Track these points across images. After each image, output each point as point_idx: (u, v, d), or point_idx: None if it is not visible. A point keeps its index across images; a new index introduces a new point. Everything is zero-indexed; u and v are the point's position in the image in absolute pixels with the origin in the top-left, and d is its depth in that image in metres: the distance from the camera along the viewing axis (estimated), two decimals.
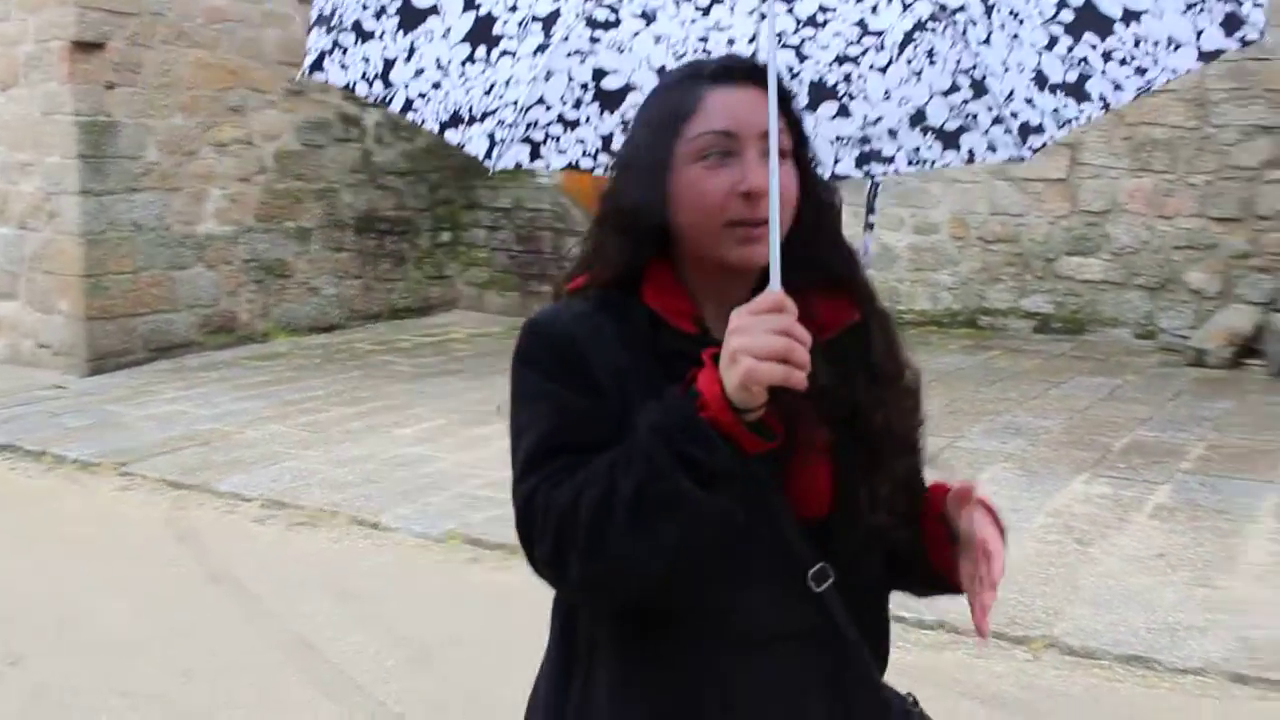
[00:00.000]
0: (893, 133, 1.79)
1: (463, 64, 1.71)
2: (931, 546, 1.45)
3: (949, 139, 1.77)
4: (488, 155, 1.79)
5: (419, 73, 1.71)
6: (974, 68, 1.71)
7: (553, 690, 1.43)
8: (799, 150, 1.37)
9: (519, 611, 4.65)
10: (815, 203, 1.38)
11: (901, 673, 1.55)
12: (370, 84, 1.70)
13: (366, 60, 1.68)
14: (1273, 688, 3.74)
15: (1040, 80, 1.66)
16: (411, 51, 1.68)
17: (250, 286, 11.03)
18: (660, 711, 1.33)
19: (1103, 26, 1.57)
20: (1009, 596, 4.01)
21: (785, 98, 1.37)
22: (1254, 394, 8.80)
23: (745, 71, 1.36)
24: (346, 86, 1.70)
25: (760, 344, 1.13)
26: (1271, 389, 9.09)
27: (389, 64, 1.69)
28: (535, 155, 1.80)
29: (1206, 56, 1.55)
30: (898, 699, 1.48)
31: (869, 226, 2.18)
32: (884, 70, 1.74)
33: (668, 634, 1.32)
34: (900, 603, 1.56)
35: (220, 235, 10.67)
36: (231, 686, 3.93)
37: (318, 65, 1.66)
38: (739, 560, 1.30)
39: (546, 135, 1.79)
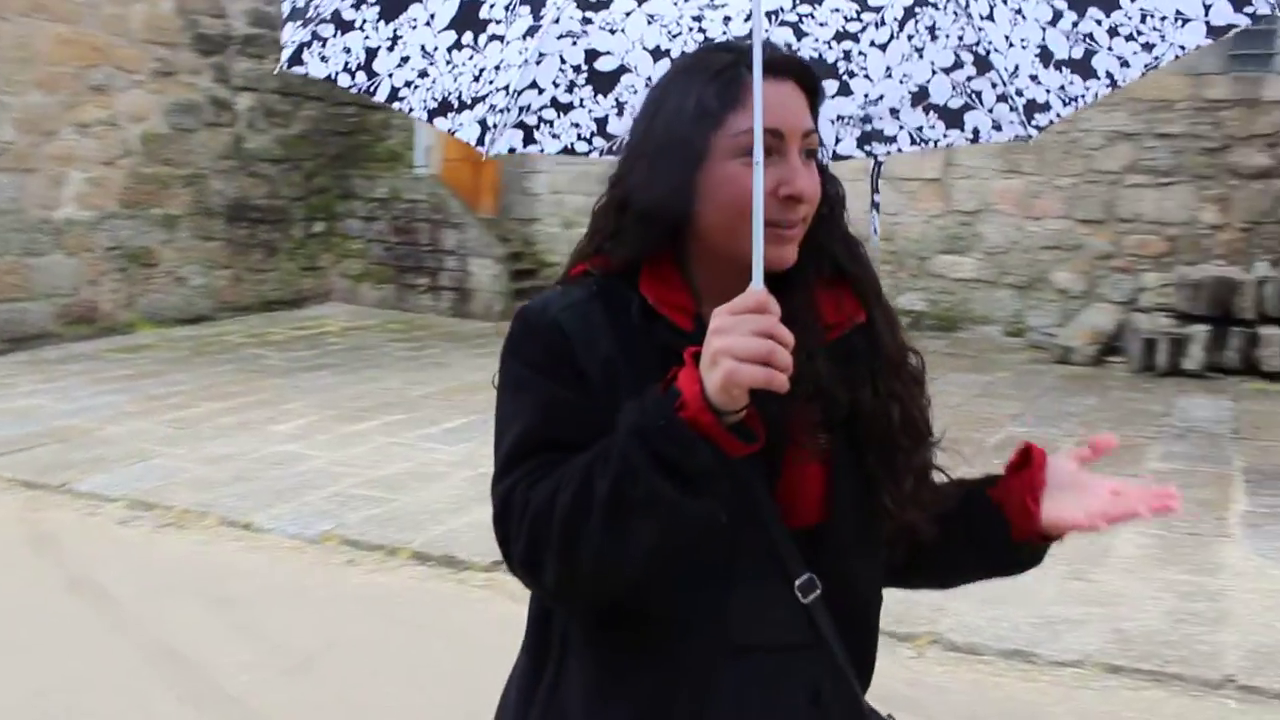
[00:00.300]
0: (895, 111, 1.74)
1: (450, 50, 1.66)
2: (1018, 506, 1.39)
3: (952, 117, 1.73)
4: (480, 141, 1.72)
5: (403, 61, 1.66)
6: (977, 43, 1.66)
7: (522, 691, 1.39)
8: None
9: (400, 615, 4.54)
10: (826, 196, 1.33)
11: None
12: (353, 75, 1.65)
13: (348, 51, 1.63)
14: (1145, 677, 3.84)
15: (1045, 56, 1.62)
16: (395, 40, 1.64)
17: (113, 275, 10.56)
18: (633, 715, 1.29)
19: (1108, 1, 1.54)
20: (893, 594, 4.02)
21: (815, 90, 1.32)
22: (1116, 390, 9.14)
23: (789, 65, 1.30)
24: (328, 78, 1.64)
25: (742, 346, 1.09)
26: (1132, 385, 9.45)
27: (371, 53, 1.64)
28: (529, 140, 1.74)
29: (1216, 32, 1.50)
30: (877, 718, 1.44)
31: (875, 206, 2.13)
32: (884, 47, 1.70)
33: (645, 637, 1.28)
34: None
35: (81, 221, 10.20)
36: (92, 704, 3.70)
37: (296, 59, 1.61)
38: (723, 566, 1.25)
39: (540, 120, 1.73)
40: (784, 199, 1.24)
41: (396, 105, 1.70)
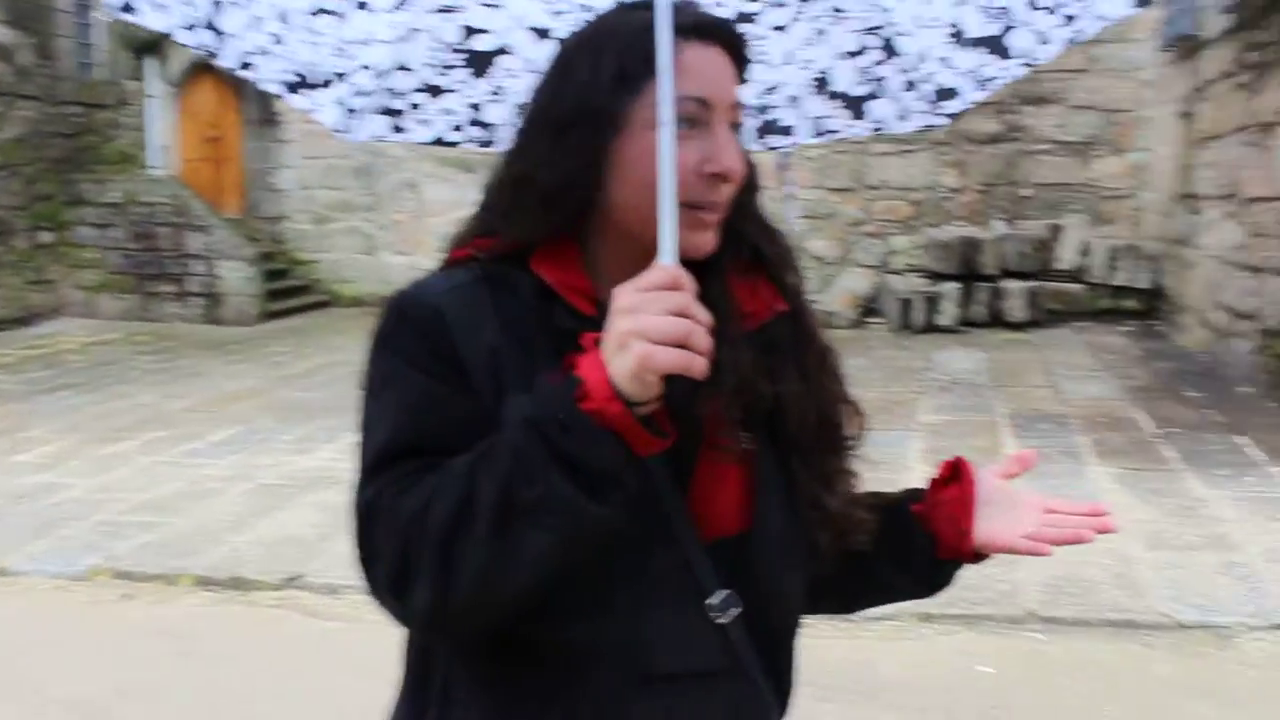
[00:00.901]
0: (794, 100, 1.59)
1: (310, 15, 1.44)
2: (948, 524, 1.28)
3: (855, 106, 1.57)
4: (341, 127, 1.52)
5: (255, 22, 1.43)
6: (883, 26, 1.52)
7: None
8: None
9: (191, 648, 4.19)
10: (746, 179, 1.17)
11: None
12: (193, 31, 1.40)
13: (189, 2, 1.39)
14: (957, 621, 3.98)
15: (957, 35, 1.49)
16: None
17: None
18: None
19: None
20: None
21: (744, 60, 1.17)
22: (879, 349, 9.55)
23: (718, 29, 1.15)
24: (165, 33, 1.41)
25: (655, 326, 0.95)
26: (893, 343, 9.90)
27: (216, 6, 1.40)
28: (397, 128, 1.54)
29: (1142, 1, 1.42)
30: None
31: (790, 198, 2.00)
32: (784, 29, 1.52)
33: (542, 672, 1.11)
34: None
35: None
36: None
37: (127, 6, 1.36)
38: (629, 584, 1.09)
39: (409, 104, 1.53)
40: (709, 176, 1.10)
41: (247, 74, 1.47)
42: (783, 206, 1.94)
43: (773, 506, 1.17)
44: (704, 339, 0.97)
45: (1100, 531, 1.27)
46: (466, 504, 0.99)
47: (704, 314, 0.98)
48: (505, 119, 1.38)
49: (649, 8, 1.09)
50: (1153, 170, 10.95)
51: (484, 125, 1.54)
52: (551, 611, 1.07)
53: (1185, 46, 9.49)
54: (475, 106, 1.54)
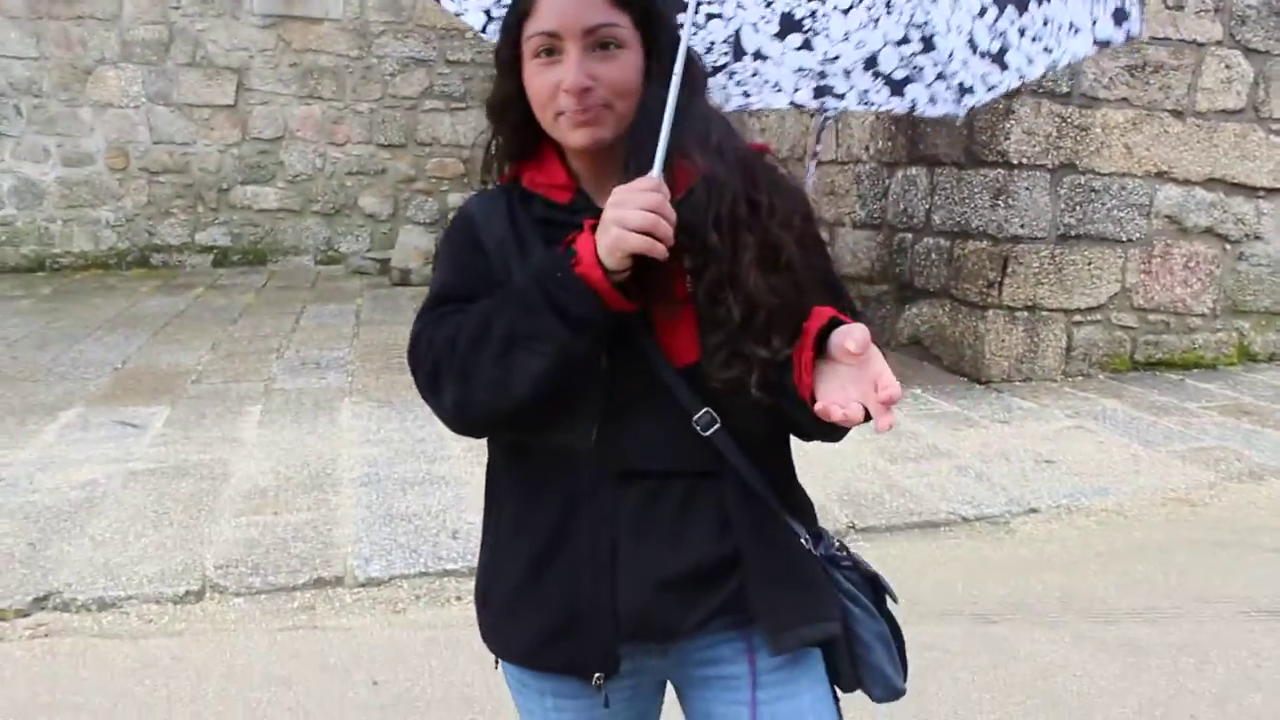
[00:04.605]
0: (847, 73, 1.86)
1: None
2: (798, 374, 1.37)
3: (896, 86, 1.86)
4: (484, 29, 1.75)
5: None
6: (925, 23, 1.81)
7: (482, 543, 1.61)
8: (649, 39, 1.44)
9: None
10: (682, 82, 1.41)
11: None
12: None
13: None
14: None
15: (972, 45, 1.78)
16: None
17: None
18: (543, 533, 1.47)
19: (1021, 2, 1.71)
20: None
21: None
22: None
23: None
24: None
25: (631, 217, 1.30)
26: None
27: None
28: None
29: (1099, 44, 1.70)
30: (822, 546, 1.55)
31: (814, 156, 2.53)
32: (846, 12, 1.82)
33: (546, 467, 1.47)
34: None
35: None
36: None
37: None
38: (611, 402, 1.42)
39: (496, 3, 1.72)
40: (563, 92, 1.40)
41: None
42: (807, 161, 2.22)
43: (712, 340, 1.43)
44: (666, 230, 1.31)
45: (877, 425, 1.27)
46: (484, 330, 1.37)
47: (670, 212, 1.32)
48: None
49: None
50: None
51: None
52: (543, 423, 1.42)
53: None
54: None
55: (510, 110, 1.48)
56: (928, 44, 1.80)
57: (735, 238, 1.41)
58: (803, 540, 1.53)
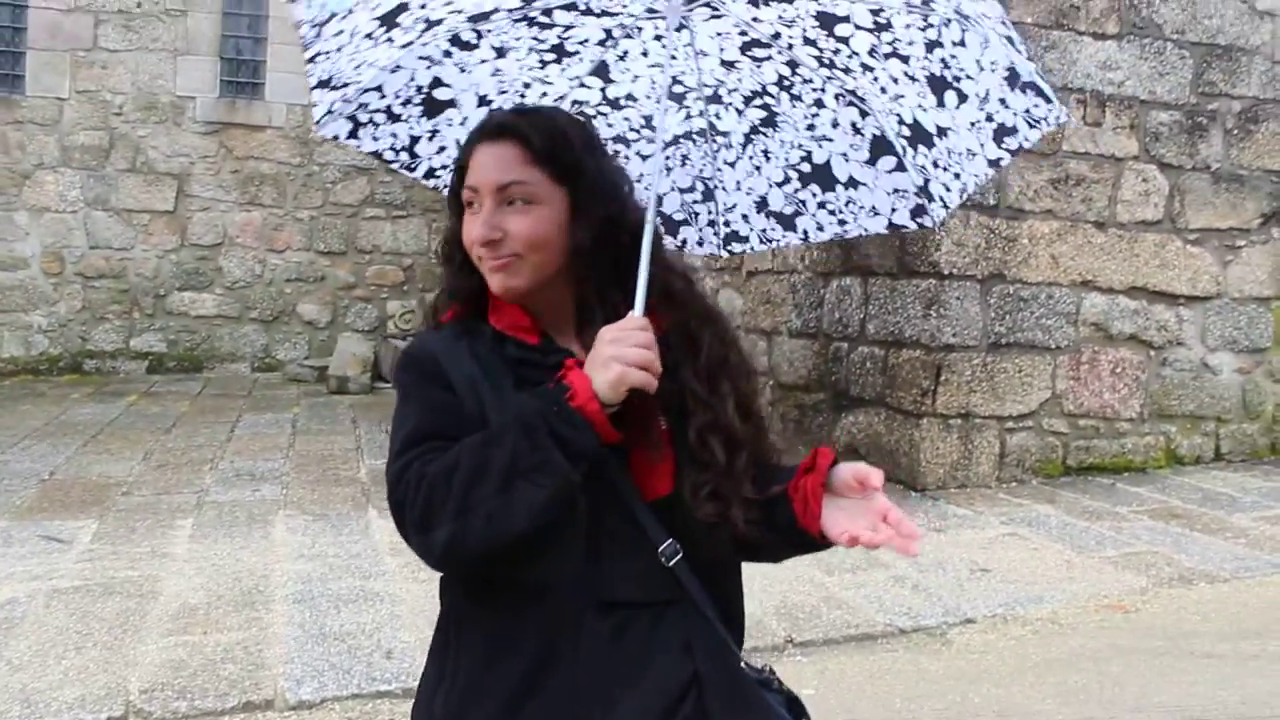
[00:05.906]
0: (745, 216, 2.01)
1: (365, 37, 1.72)
2: (802, 505, 1.54)
3: (787, 221, 1.99)
4: (319, 122, 1.84)
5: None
6: (801, 162, 1.95)
7: (428, 677, 1.60)
8: (575, 192, 1.54)
9: None
10: (609, 230, 1.56)
11: None
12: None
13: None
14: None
15: (761, 205, 1.98)
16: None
17: None
18: (522, 670, 1.48)
19: (827, 183, 1.91)
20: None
21: (543, 151, 1.54)
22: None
23: (500, 128, 1.56)
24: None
25: (630, 354, 1.41)
26: None
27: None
28: (353, 134, 1.85)
29: (892, 228, 1.91)
30: (753, 670, 1.64)
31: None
32: (733, 165, 1.97)
33: (522, 603, 1.49)
34: None
35: None
36: None
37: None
38: (589, 537, 1.48)
39: (370, 119, 1.84)
40: (474, 243, 1.54)
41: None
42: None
43: (685, 475, 1.55)
44: (659, 365, 1.43)
45: (900, 551, 1.48)
46: (482, 465, 1.39)
47: (657, 350, 1.44)
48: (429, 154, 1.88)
49: (481, 130, 1.58)
50: None
51: (413, 155, 1.90)
52: (528, 558, 1.44)
53: None
54: (414, 139, 1.88)
55: (456, 251, 1.59)
56: (805, 178, 1.94)
57: (715, 386, 1.57)
58: (744, 665, 1.62)
